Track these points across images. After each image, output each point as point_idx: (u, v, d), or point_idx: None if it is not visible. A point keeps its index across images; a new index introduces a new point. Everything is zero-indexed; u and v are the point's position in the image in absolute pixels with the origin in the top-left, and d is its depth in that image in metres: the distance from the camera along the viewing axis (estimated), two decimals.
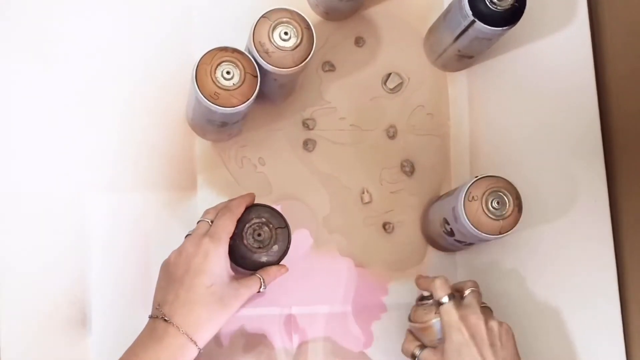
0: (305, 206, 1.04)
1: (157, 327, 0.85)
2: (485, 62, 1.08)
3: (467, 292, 0.91)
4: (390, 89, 1.07)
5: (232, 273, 0.89)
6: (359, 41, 1.07)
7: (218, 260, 0.86)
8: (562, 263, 1.06)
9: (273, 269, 0.91)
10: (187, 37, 1.04)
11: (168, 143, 1.03)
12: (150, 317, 0.87)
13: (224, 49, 0.89)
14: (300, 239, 1.02)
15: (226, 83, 0.88)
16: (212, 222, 0.89)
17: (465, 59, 1.04)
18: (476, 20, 0.92)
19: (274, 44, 0.89)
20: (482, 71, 1.08)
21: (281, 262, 0.92)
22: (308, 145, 1.05)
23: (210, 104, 0.88)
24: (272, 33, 0.89)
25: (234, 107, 0.88)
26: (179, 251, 0.88)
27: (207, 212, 0.92)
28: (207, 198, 1.02)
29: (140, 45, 1.04)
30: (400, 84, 1.07)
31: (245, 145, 1.04)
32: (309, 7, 1.06)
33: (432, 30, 1.05)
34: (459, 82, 1.08)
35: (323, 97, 1.06)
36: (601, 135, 1.09)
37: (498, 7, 0.92)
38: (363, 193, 1.05)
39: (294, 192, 1.04)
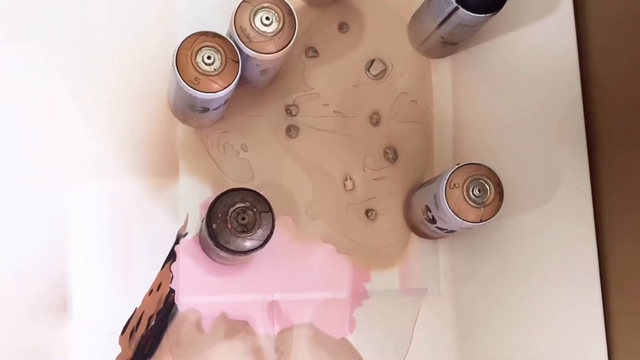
0: (288, 193, 1.03)
1: None
2: (469, 49, 1.08)
3: None
4: (374, 76, 1.06)
5: None
6: (342, 27, 1.06)
7: None
8: (544, 250, 1.06)
9: None
10: (169, 23, 1.03)
11: (149, 129, 1.02)
12: None
13: (205, 33, 0.88)
14: (283, 225, 1.02)
15: (207, 68, 0.87)
16: None
17: (448, 46, 1.03)
18: (459, 6, 0.92)
19: (255, 29, 0.88)
20: (466, 58, 1.08)
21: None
22: (291, 131, 1.04)
23: (191, 89, 0.87)
24: (254, 18, 0.88)
25: (215, 92, 0.88)
26: None
27: None
28: (189, 184, 1.01)
29: (121, 30, 1.03)
30: (384, 70, 1.06)
31: (227, 131, 1.03)
32: None
33: (416, 16, 1.05)
34: (442, 69, 1.07)
35: (306, 83, 1.05)
36: (584, 122, 1.09)
37: None
38: (346, 180, 1.04)
39: (276, 178, 1.03)
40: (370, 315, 1.03)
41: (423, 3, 1.02)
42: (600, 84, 1.09)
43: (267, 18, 0.88)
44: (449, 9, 0.93)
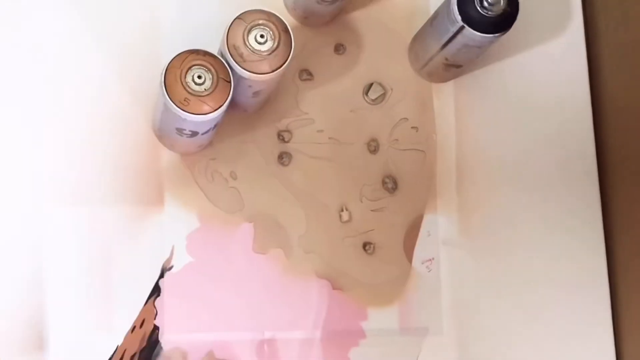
0: (280, 224, 1.00)
1: None
2: (474, 73, 1.05)
3: None
4: (372, 100, 1.03)
5: None
6: (339, 48, 1.03)
7: None
8: (556, 288, 1.03)
9: None
10: (155, 43, 1.01)
11: (133, 155, 0.98)
12: None
13: (195, 51, 0.84)
14: (274, 259, 0.99)
15: (197, 88, 0.83)
16: None
17: (452, 69, 1.00)
18: (465, 26, 0.88)
19: (249, 47, 0.85)
20: (470, 82, 1.05)
21: None
22: (283, 159, 1.00)
23: (180, 110, 0.83)
24: (247, 36, 0.85)
25: (205, 114, 0.83)
26: None
27: None
28: (174, 214, 0.98)
29: (104, 51, 1.00)
30: (383, 94, 1.03)
31: (215, 158, 0.99)
32: (286, 10, 1.02)
33: (418, 37, 1.01)
34: (445, 94, 1.04)
35: (300, 107, 1.02)
36: (595, 151, 1.06)
37: (489, 13, 0.88)
38: (342, 211, 1.01)
39: (267, 208, 1.00)
40: (367, 356, 0.99)
41: (426, 22, 0.98)
42: (612, 110, 1.05)
43: (262, 36, 0.85)
44: (455, 29, 0.90)
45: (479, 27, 0.88)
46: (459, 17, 0.88)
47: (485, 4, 0.87)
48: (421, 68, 1.02)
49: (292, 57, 0.86)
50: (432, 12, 0.97)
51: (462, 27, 0.89)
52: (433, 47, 0.96)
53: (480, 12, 0.87)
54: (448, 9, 0.89)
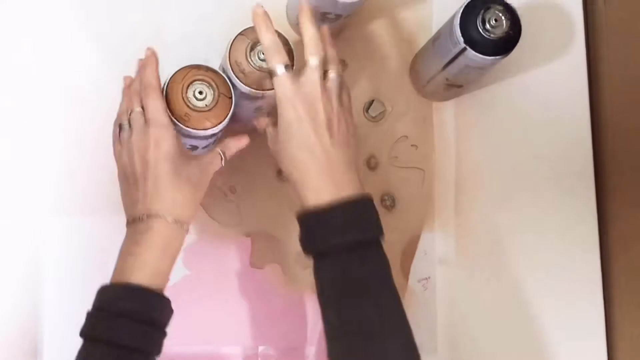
0: (278, 239, 0.99)
1: (138, 228, 0.81)
2: (475, 92, 1.04)
3: (331, 74, 0.82)
4: (372, 117, 1.02)
5: (189, 152, 0.85)
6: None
7: (171, 143, 0.82)
8: (548, 310, 1.02)
9: (232, 141, 0.87)
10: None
11: None
12: (128, 224, 0.83)
13: (197, 67, 0.84)
14: (270, 274, 0.98)
15: (198, 104, 0.83)
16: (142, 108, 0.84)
17: (453, 88, 0.99)
18: (467, 47, 0.88)
19: (252, 63, 0.84)
20: (471, 101, 1.04)
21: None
22: (282, 174, 0.99)
23: (181, 126, 0.83)
24: (250, 52, 0.84)
25: (206, 129, 0.83)
26: (127, 152, 0.84)
27: (127, 100, 0.86)
28: None
29: (106, 67, 0.99)
30: (383, 112, 1.02)
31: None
32: (290, 27, 1.01)
33: (419, 56, 1.01)
34: (445, 113, 1.04)
35: None
36: (594, 173, 1.05)
37: (491, 35, 0.87)
38: None
39: (266, 223, 0.99)
40: None
41: (427, 42, 0.98)
42: (612, 132, 1.05)
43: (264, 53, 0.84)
44: (457, 50, 0.89)
45: (481, 49, 0.88)
46: (461, 39, 0.88)
47: (488, 26, 0.87)
48: (422, 87, 1.02)
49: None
50: (434, 32, 0.97)
51: (464, 49, 0.88)
52: (434, 67, 0.96)
53: (482, 34, 0.87)
54: (451, 30, 0.89)
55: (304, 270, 0.98)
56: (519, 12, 0.88)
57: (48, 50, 0.99)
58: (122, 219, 0.93)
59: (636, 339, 1.00)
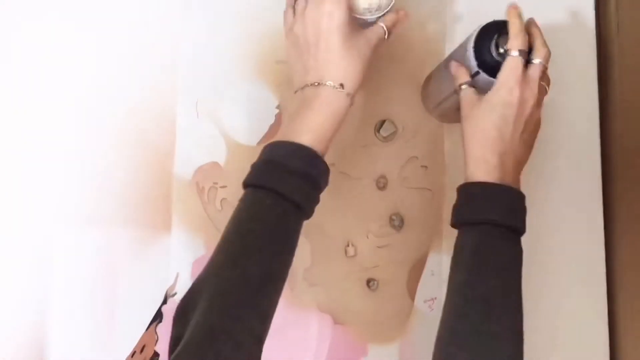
0: None
1: (307, 94, 0.87)
2: None
3: (536, 61, 0.87)
4: (384, 137, 1.02)
5: (357, 26, 0.91)
6: None
7: (344, 15, 0.88)
8: (553, 332, 1.02)
9: (392, 15, 0.92)
10: (170, 74, 1.01)
11: (143, 179, 0.98)
12: (296, 91, 0.89)
13: None
14: None
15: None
16: None
17: None
18: (481, 71, 0.87)
19: None
20: None
21: None
22: None
23: None
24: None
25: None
26: (302, 20, 0.89)
27: None
28: (181, 238, 0.97)
29: (121, 81, 1.00)
30: (394, 132, 1.02)
31: (226, 185, 0.99)
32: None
33: (432, 78, 1.01)
34: (456, 134, 1.03)
35: None
36: (602, 200, 1.05)
37: (504, 59, 0.86)
38: (348, 246, 1.00)
39: None
40: None
41: (440, 64, 0.98)
42: (622, 161, 1.04)
43: None
44: (470, 73, 0.89)
45: (494, 73, 0.87)
46: (474, 62, 0.87)
47: (502, 50, 0.86)
48: (433, 108, 1.02)
49: None
50: (446, 54, 0.97)
51: (477, 72, 0.88)
52: (447, 89, 0.95)
53: (495, 58, 0.86)
54: (464, 53, 0.89)
55: (311, 287, 0.98)
56: None
57: (69, 58, 1.00)
58: (131, 229, 0.94)
59: (638, 330, 1.01)
